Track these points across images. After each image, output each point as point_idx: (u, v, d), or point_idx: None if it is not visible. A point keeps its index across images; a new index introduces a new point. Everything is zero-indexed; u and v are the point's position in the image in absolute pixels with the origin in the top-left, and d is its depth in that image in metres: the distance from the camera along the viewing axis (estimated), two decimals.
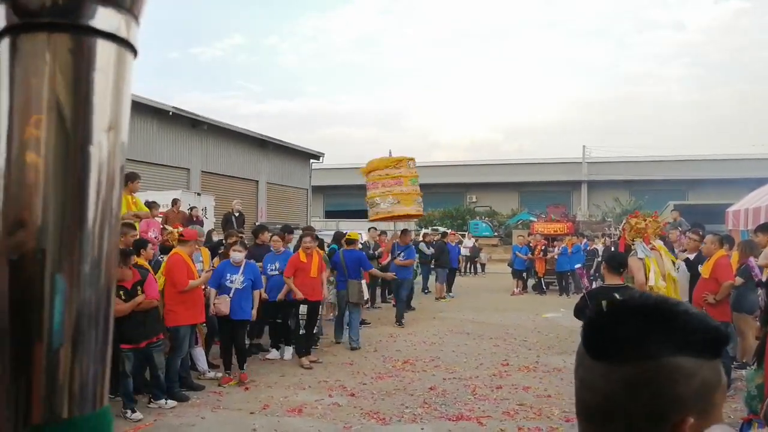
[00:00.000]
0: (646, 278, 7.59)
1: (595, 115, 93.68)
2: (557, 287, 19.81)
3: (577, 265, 19.05)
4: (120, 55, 0.64)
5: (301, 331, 9.47)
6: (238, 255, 8.36)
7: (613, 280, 6.04)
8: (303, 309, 9.45)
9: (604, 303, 0.96)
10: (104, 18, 0.61)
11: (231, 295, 8.19)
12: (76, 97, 0.60)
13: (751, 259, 7.90)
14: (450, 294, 18.78)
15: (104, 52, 0.62)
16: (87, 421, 0.65)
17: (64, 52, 0.60)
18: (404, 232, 14.28)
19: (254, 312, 8.54)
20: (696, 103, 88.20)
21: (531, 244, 20.59)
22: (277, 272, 9.73)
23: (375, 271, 12.13)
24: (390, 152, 13.42)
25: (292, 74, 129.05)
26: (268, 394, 7.77)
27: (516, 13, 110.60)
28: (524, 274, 20.39)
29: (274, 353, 9.82)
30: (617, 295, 5.61)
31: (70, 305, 0.62)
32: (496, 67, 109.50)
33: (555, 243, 20.73)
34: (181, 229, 9.57)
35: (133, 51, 0.66)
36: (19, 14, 0.60)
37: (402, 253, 13.90)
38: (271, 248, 10.27)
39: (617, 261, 6.21)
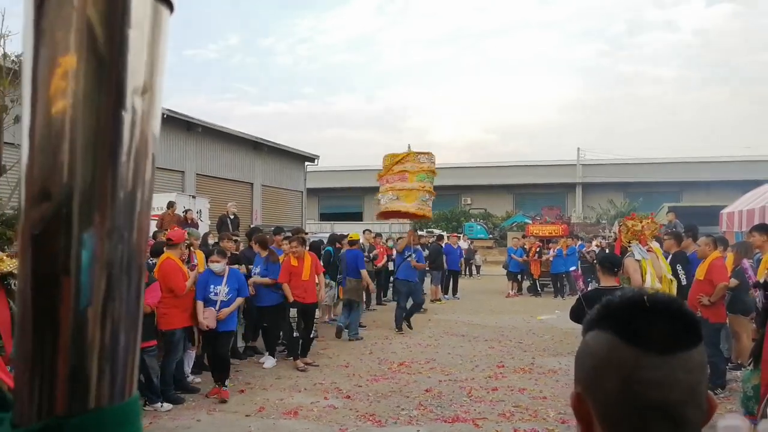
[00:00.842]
0: (643, 280, 7.61)
1: (590, 117, 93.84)
2: (552, 289, 19.83)
3: (572, 268, 19.06)
4: (156, 11, 0.59)
5: (295, 334, 9.43)
6: (217, 266, 7.88)
7: (608, 282, 6.06)
8: (293, 312, 9.38)
9: (645, 298, 0.93)
10: None
11: (217, 308, 7.81)
12: (109, 52, 0.56)
13: (745, 261, 7.92)
14: (456, 296, 18.86)
15: (139, 5, 0.58)
16: (115, 412, 0.59)
17: (95, 3, 0.56)
18: (414, 231, 13.75)
19: (223, 316, 7.89)
20: (690, 105, 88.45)
21: (526, 247, 20.59)
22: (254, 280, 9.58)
23: (364, 273, 12.05)
24: (409, 146, 13.19)
25: (287, 76, 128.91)
26: (263, 397, 7.75)
27: (510, 14, 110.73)
28: (519, 276, 20.39)
29: (270, 361, 9.54)
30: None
31: (100, 262, 0.57)
32: (491, 68, 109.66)
33: (550, 245, 20.71)
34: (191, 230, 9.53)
35: (170, 6, 0.61)
36: None
37: (413, 254, 13.22)
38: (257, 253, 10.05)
39: (611, 262, 6.22)
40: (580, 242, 21.20)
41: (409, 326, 12.54)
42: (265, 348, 9.81)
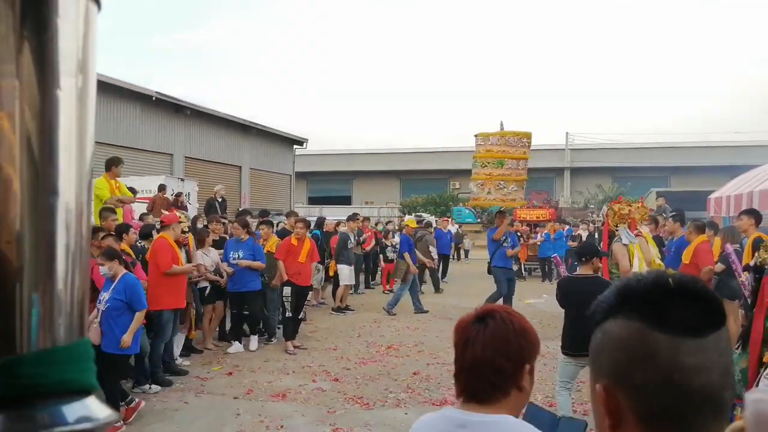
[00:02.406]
0: (630, 264, 7.63)
1: (579, 101, 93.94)
2: (540, 273, 19.86)
3: (554, 254, 18.95)
4: (85, 6, 0.63)
5: (288, 314, 9.41)
6: (104, 269, 6.24)
7: (584, 270, 6.06)
8: (287, 291, 9.38)
9: (670, 280, 0.89)
10: None
11: (98, 318, 6.25)
12: (40, 48, 0.59)
13: (728, 245, 7.94)
14: (444, 280, 18.80)
15: (68, 3, 0.61)
16: (69, 349, 0.63)
17: (26, 4, 0.58)
18: (500, 214, 12.83)
19: (127, 338, 6.20)
20: (680, 91, 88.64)
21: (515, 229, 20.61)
22: (236, 262, 9.27)
23: (405, 256, 12.92)
24: (501, 124, 12.79)
25: (276, 58, 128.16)
26: (252, 379, 7.76)
27: None
28: None
29: (236, 346, 9.25)
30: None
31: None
32: (480, 51, 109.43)
33: (537, 229, 20.70)
34: (179, 213, 9.46)
35: (97, 3, 0.65)
36: None
37: (507, 239, 12.23)
38: (233, 235, 9.74)
39: (585, 251, 6.19)
40: (567, 227, 21.10)
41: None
42: (249, 332, 9.68)
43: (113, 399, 5.96)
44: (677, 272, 0.93)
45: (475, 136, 12.96)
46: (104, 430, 0.64)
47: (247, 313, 9.51)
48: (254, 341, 9.41)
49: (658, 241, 9.24)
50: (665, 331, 0.85)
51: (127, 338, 6.18)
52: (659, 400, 0.86)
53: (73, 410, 0.61)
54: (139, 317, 6.36)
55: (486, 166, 12.38)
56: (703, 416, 0.85)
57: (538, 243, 19.56)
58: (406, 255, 12.95)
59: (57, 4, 0.60)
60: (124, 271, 6.38)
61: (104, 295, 6.25)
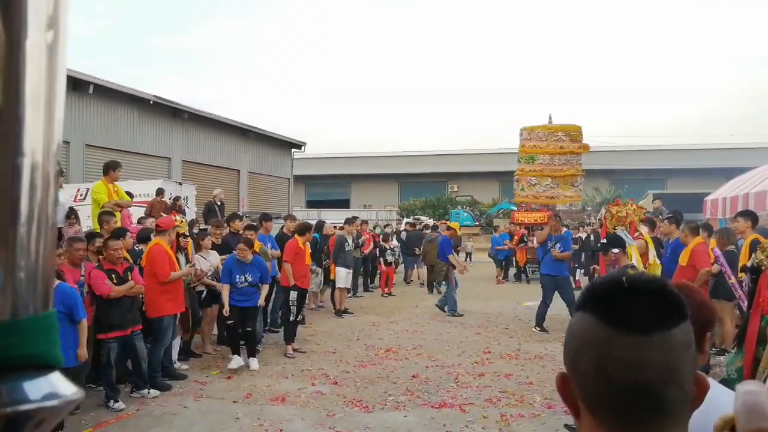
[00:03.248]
0: None
1: (575, 104, 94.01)
2: (538, 276, 19.62)
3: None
4: None
5: (292, 318, 9.40)
6: None
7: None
8: (293, 296, 9.38)
9: (624, 279, 0.93)
10: None
11: None
12: None
13: (716, 249, 7.93)
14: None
15: None
16: (35, 320, 0.59)
17: None
18: (555, 216, 12.21)
19: (82, 351, 6.20)
20: (677, 93, 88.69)
21: (510, 231, 20.71)
22: (246, 284, 8.54)
23: (450, 258, 12.89)
24: (550, 118, 12.28)
25: (274, 61, 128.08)
26: (251, 383, 7.77)
27: None
28: (504, 263, 20.44)
29: (236, 360, 8.43)
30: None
31: None
32: (477, 52, 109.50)
33: (535, 232, 20.47)
34: (178, 218, 9.41)
35: None
36: None
37: (557, 243, 11.28)
38: (237, 257, 8.64)
39: (615, 243, 6.16)
40: (565, 229, 20.72)
41: (544, 330, 11.03)
42: (248, 354, 8.67)
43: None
44: (638, 273, 0.96)
45: (521, 129, 12.40)
46: (70, 408, 0.59)
47: (249, 329, 8.65)
48: (254, 362, 8.53)
49: (657, 243, 9.26)
50: (608, 326, 0.90)
51: (81, 351, 6.17)
52: (596, 389, 0.91)
53: (37, 386, 0.56)
54: (83, 327, 6.24)
55: (529, 162, 11.78)
56: (641, 410, 0.88)
57: (536, 246, 19.35)
58: (451, 257, 13.00)
59: None
60: (57, 281, 5.95)
61: None
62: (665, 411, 0.89)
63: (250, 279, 8.56)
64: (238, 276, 8.52)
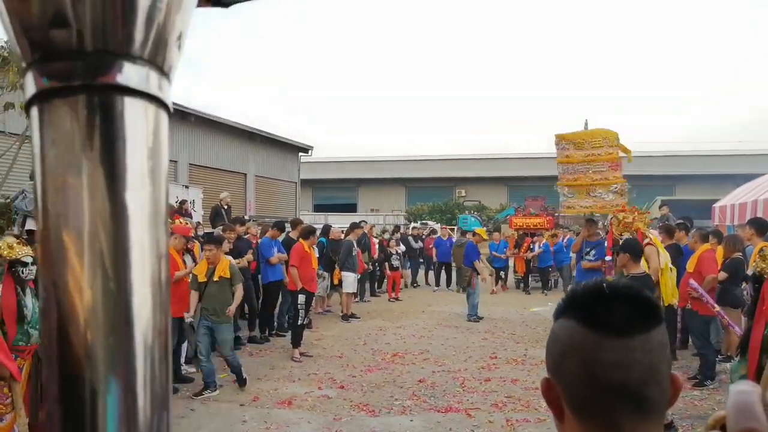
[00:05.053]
0: None
1: (580, 108, 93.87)
2: (539, 283, 18.90)
3: (565, 263, 17.94)
4: (155, 114, 0.59)
5: (300, 321, 9.43)
6: None
7: (631, 269, 5.97)
8: (301, 299, 9.42)
9: (604, 285, 0.99)
10: (135, 75, 0.57)
11: None
12: (109, 159, 0.55)
13: (692, 280, 7.78)
14: (449, 288, 18.57)
15: (136, 111, 0.57)
16: None
17: (93, 114, 0.55)
18: (590, 222, 11.48)
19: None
20: (682, 98, 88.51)
21: (506, 238, 19.78)
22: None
23: (475, 264, 13.18)
24: (586, 123, 12.02)
25: (282, 63, 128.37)
26: (257, 387, 7.80)
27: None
28: (501, 272, 19.10)
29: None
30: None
31: None
32: (483, 57, 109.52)
33: (535, 238, 19.30)
34: (180, 220, 9.44)
35: (167, 109, 0.61)
36: (48, 78, 0.55)
37: (592, 251, 10.51)
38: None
39: (634, 249, 6.11)
40: (567, 236, 19.46)
41: None
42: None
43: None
44: (617, 279, 1.01)
45: (557, 137, 12.08)
46: None
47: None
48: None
49: (677, 249, 9.17)
50: (592, 330, 0.95)
51: None
52: (583, 392, 0.96)
53: None
54: None
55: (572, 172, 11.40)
56: (625, 409, 0.93)
57: (537, 255, 18.61)
58: (476, 263, 13.24)
59: (125, 120, 0.57)
60: None
61: None
62: (647, 410, 0.94)
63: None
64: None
